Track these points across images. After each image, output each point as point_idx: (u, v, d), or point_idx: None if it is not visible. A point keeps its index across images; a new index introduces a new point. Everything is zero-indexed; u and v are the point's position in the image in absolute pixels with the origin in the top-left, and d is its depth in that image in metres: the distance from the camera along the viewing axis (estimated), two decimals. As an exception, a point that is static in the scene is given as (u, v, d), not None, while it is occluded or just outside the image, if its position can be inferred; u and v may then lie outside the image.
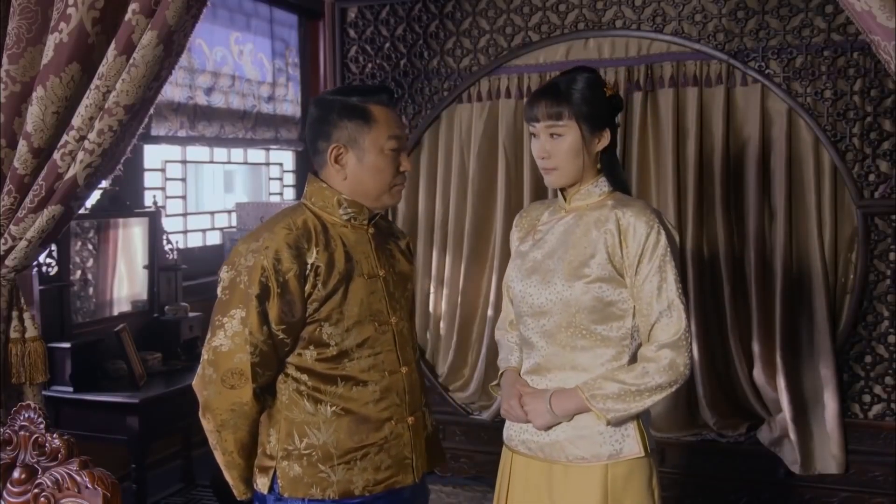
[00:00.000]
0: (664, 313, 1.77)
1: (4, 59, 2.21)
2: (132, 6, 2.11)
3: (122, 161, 2.40)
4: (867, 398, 3.41)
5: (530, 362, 1.88)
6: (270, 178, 5.29)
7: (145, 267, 3.79)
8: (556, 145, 1.82)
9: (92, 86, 2.16)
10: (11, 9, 2.20)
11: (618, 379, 1.76)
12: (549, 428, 1.81)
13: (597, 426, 1.78)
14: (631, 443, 1.79)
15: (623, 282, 1.79)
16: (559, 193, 1.93)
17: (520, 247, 1.96)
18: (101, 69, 2.14)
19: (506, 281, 1.99)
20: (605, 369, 1.79)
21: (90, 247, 3.60)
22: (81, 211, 2.66)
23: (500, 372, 1.99)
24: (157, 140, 4.11)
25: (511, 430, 1.92)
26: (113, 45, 2.14)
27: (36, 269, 2.94)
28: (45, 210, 2.27)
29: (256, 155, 5.14)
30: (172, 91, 4.10)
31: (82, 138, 2.20)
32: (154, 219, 3.79)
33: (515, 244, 1.99)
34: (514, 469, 1.90)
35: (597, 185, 1.87)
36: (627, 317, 1.80)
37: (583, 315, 1.79)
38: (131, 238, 3.77)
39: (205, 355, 1.75)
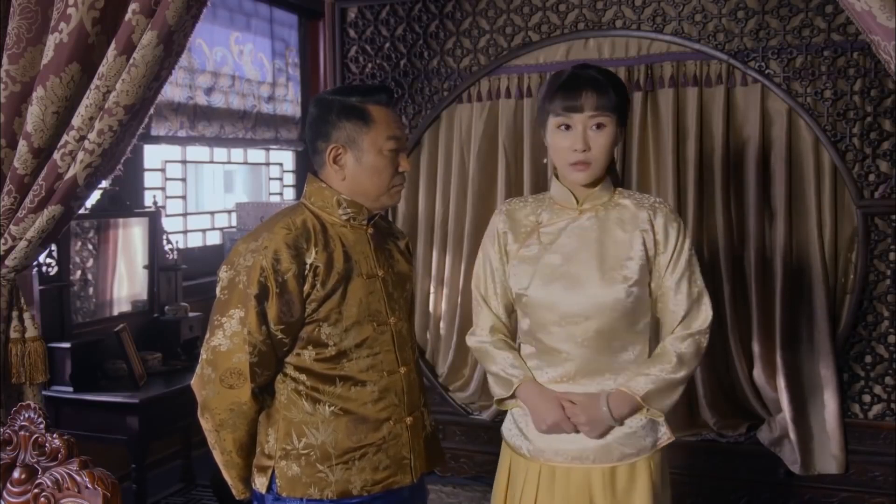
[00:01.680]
0: (695, 303, 1.82)
1: (4, 59, 2.21)
2: (132, 6, 2.11)
3: (122, 161, 2.40)
4: (867, 398, 3.41)
5: (557, 371, 1.81)
6: (270, 178, 5.29)
7: (145, 267, 3.80)
8: (596, 138, 1.75)
9: (92, 86, 2.16)
10: (11, 9, 2.20)
11: (658, 373, 1.77)
12: (603, 434, 1.79)
13: (640, 421, 1.81)
14: (663, 430, 1.85)
15: (648, 279, 1.81)
16: (563, 192, 1.85)
17: (521, 251, 1.85)
18: (101, 69, 2.14)
19: (488, 287, 1.92)
20: (635, 365, 1.80)
21: (90, 247, 3.60)
22: (81, 211, 2.66)
23: (515, 385, 1.84)
24: (157, 140, 4.11)
25: (540, 442, 1.83)
26: (113, 45, 2.14)
27: (36, 269, 2.94)
28: (45, 210, 2.27)
29: (256, 155, 5.14)
30: (172, 91, 4.10)
31: (82, 138, 2.20)
32: (154, 219, 3.79)
33: (511, 247, 1.88)
34: (542, 482, 1.82)
35: (606, 183, 1.84)
36: (648, 311, 1.84)
37: (619, 317, 1.77)
38: (131, 238, 3.77)
39: (203, 355, 1.76)
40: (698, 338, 1.82)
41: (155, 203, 3.86)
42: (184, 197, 4.55)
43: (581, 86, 1.75)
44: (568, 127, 1.76)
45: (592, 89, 1.75)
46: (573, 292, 1.76)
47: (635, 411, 1.79)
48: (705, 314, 1.83)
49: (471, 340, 1.98)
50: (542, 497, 1.81)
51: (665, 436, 1.85)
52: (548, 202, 1.89)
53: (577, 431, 1.78)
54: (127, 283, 3.78)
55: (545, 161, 1.93)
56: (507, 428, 1.94)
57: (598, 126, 1.75)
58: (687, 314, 1.81)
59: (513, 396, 1.87)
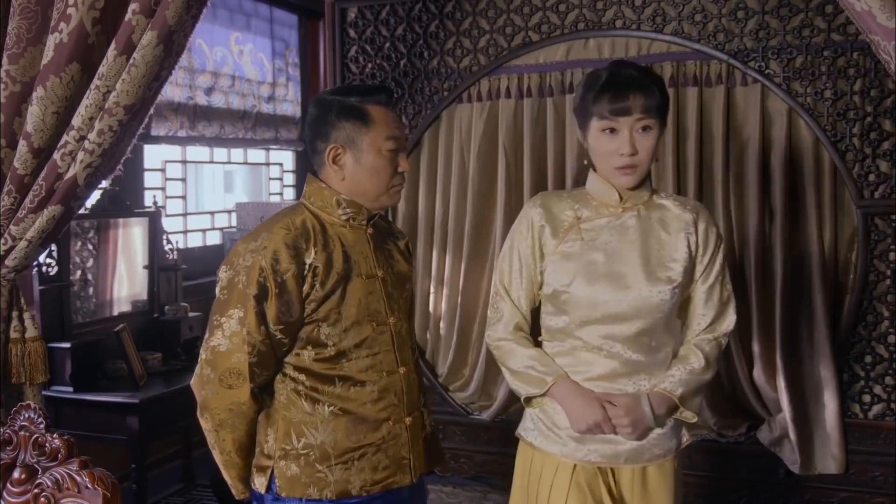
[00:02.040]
0: (725, 306, 1.86)
1: (4, 59, 2.21)
2: (132, 6, 2.11)
3: (122, 161, 2.39)
4: (867, 398, 3.41)
5: (594, 370, 1.77)
6: (270, 178, 5.29)
7: (145, 267, 3.80)
8: (643, 141, 1.73)
9: (92, 86, 2.16)
10: (11, 9, 2.20)
11: (690, 375, 1.78)
12: (643, 436, 1.78)
13: (669, 422, 1.82)
14: (685, 431, 1.89)
15: (688, 280, 1.82)
16: (605, 189, 1.81)
17: (561, 246, 1.80)
18: (101, 69, 2.14)
19: (513, 281, 1.85)
20: (665, 365, 1.81)
21: (90, 247, 3.60)
22: (81, 211, 2.66)
23: (550, 382, 1.78)
24: (157, 140, 4.11)
25: (572, 442, 1.80)
26: (113, 45, 2.14)
27: (36, 269, 2.94)
28: (45, 210, 2.27)
29: (256, 155, 5.14)
30: (172, 91, 4.10)
31: (82, 138, 2.20)
32: (154, 219, 3.79)
33: (549, 242, 1.81)
34: (574, 482, 1.78)
35: (647, 182, 1.83)
36: (677, 311, 1.85)
37: (661, 317, 1.77)
38: (131, 238, 3.77)
39: (203, 355, 1.76)
40: (721, 340, 1.86)
41: (155, 203, 3.86)
42: (184, 197, 4.55)
43: (628, 88, 1.71)
44: (613, 130, 1.73)
45: (639, 91, 1.71)
46: (619, 291, 1.74)
47: (672, 413, 1.79)
48: (731, 318, 1.87)
49: (491, 337, 1.90)
50: (574, 497, 1.77)
51: (685, 436, 1.89)
52: (585, 198, 1.84)
53: (616, 433, 1.76)
54: (127, 283, 3.78)
55: (585, 162, 1.88)
56: (528, 428, 1.90)
57: (645, 129, 1.72)
58: (719, 314, 1.85)
59: (542, 395, 1.82)
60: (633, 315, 1.74)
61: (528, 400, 1.85)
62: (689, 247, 1.79)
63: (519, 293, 1.86)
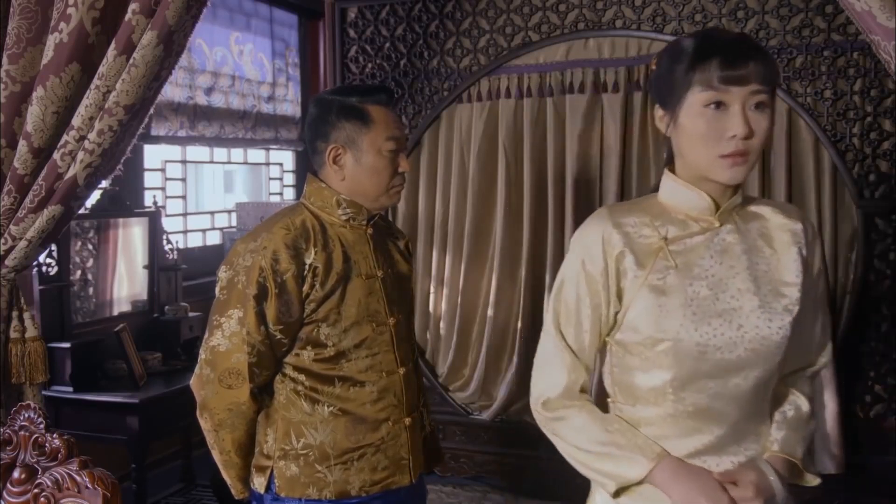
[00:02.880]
0: (825, 332, 1.52)
1: (4, 59, 2.21)
2: (132, 6, 2.11)
3: (122, 161, 2.39)
4: (867, 398, 3.41)
5: (699, 440, 1.36)
6: (270, 178, 5.29)
7: (145, 267, 3.80)
8: (759, 121, 1.31)
9: (92, 86, 2.16)
10: (11, 9, 2.20)
11: (804, 431, 1.44)
12: None
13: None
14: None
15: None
16: (695, 196, 1.39)
17: (649, 278, 1.36)
18: (101, 69, 2.14)
19: (581, 325, 1.41)
20: (767, 416, 1.44)
21: (90, 247, 3.60)
22: (81, 211, 2.66)
23: (651, 464, 1.35)
24: (157, 140, 4.11)
25: None
26: (113, 45, 2.13)
27: (36, 269, 2.94)
28: (45, 210, 2.27)
29: (256, 155, 5.14)
30: (172, 91, 4.10)
31: (82, 138, 2.20)
32: (154, 219, 3.80)
33: (633, 273, 1.37)
34: None
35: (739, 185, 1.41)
36: None
37: (780, 360, 1.37)
38: (131, 238, 3.77)
39: (202, 355, 1.76)
40: (822, 371, 1.54)
41: (155, 203, 3.86)
42: (184, 197, 4.55)
43: (744, 53, 1.31)
44: (721, 105, 1.31)
45: (757, 57, 1.31)
46: (734, 333, 1.33)
47: (791, 478, 1.42)
48: (829, 346, 1.52)
49: (541, 400, 1.44)
50: None
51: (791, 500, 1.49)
52: (663, 210, 1.43)
53: None
54: (127, 283, 3.78)
55: (664, 154, 1.49)
56: None
57: (759, 105, 1.31)
58: (817, 349, 1.50)
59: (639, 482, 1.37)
60: (751, 362, 1.34)
61: (621, 489, 1.39)
62: (802, 264, 1.40)
63: (583, 342, 1.43)
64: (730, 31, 1.48)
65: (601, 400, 1.49)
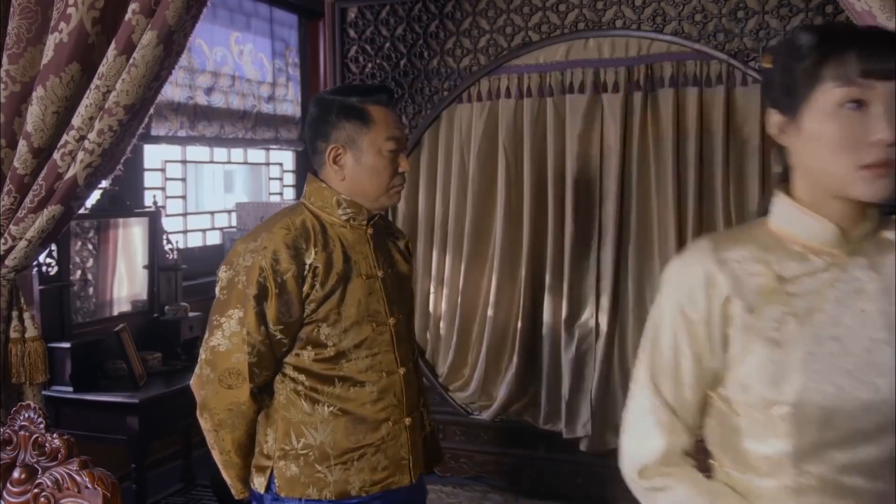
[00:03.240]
0: None
1: (4, 59, 2.21)
2: (132, 6, 2.11)
3: (122, 161, 2.40)
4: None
5: None
6: (270, 178, 5.29)
7: (145, 267, 3.80)
8: None
9: (92, 86, 2.16)
10: (11, 9, 2.20)
11: None
12: None
13: None
14: None
15: None
16: (818, 224, 1.15)
17: (762, 326, 1.12)
18: (101, 69, 2.15)
19: (682, 380, 1.19)
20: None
21: (90, 247, 3.60)
22: (81, 211, 2.66)
23: None
24: (157, 140, 4.11)
25: None
26: (113, 45, 2.14)
27: (36, 269, 2.94)
28: (45, 210, 2.27)
29: (256, 155, 5.14)
30: (172, 91, 4.10)
31: (82, 138, 2.20)
32: (154, 219, 3.80)
33: (742, 320, 1.13)
34: None
35: (872, 207, 1.16)
36: None
37: None
38: (131, 238, 3.77)
39: (202, 355, 1.76)
40: None
41: (155, 203, 3.86)
42: (184, 197, 4.55)
43: (891, 42, 1.10)
44: (860, 104, 1.07)
45: None
46: (868, 395, 1.10)
47: None
48: None
49: (641, 478, 1.21)
50: None
51: None
52: (777, 240, 1.18)
53: None
54: (127, 283, 3.78)
55: (778, 169, 1.23)
56: None
57: None
58: None
59: None
60: (885, 427, 1.10)
61: None
62: None
63: (683, 399, 1.20)
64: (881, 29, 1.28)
65: (702, 460, 1.26)
